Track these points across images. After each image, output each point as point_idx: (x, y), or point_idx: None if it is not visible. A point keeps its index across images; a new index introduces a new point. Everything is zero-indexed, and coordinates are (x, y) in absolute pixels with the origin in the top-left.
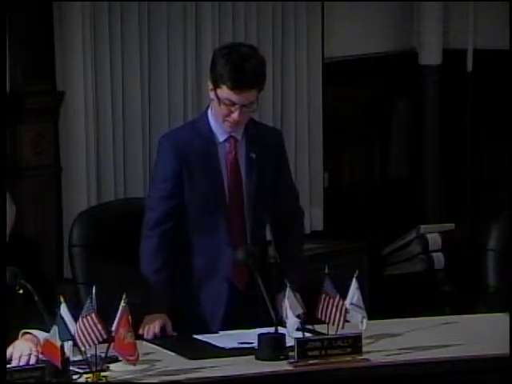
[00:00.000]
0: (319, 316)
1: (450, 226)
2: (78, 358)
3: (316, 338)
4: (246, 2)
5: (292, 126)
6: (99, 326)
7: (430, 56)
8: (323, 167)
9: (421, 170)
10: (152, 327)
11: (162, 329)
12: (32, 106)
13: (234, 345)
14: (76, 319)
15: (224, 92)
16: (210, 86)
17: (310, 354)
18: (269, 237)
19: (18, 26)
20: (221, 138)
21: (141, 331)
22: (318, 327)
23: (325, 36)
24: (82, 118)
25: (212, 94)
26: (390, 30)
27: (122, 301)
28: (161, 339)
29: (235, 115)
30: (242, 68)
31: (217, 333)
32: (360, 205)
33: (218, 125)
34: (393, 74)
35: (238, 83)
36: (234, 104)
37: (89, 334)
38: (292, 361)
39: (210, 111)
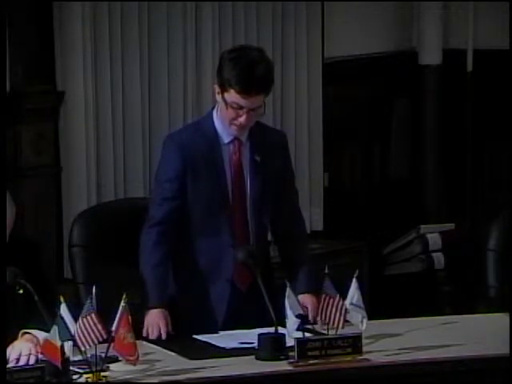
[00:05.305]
0: (319, 316)
1: (450, 225)
2: (78, 357)
3: (316, 337)
4: (246, 2)
5: (292, 126)
6: (99, 326)
7: (430, 56)
8: (323, 167)
9: (421, 170)
10: (156, 328)
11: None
12: (32, 105)
13: (235, 345)
14: (76, 319)
15: (232, 96)
16: (217, 90)
17: (309, 353)
18: (270, 237)
19: (18, 25)
20: (225, 139)
21: (145, 332)
22: (318, 327)
23: (325, 36)
24: (81, 118)
25: (219, 98)
26: (390, 30)
27: (122, 301)
28: (161, 339)
29: (242, 119)
30: (250, 73)
31: (217, 333)
32: (360, 205)
33: (223, 127)
34: (393, 73)
35: (246, 88)
36: (241, 108)
37: (89, 333)
38: (292, 361)
39: (215, 112)
